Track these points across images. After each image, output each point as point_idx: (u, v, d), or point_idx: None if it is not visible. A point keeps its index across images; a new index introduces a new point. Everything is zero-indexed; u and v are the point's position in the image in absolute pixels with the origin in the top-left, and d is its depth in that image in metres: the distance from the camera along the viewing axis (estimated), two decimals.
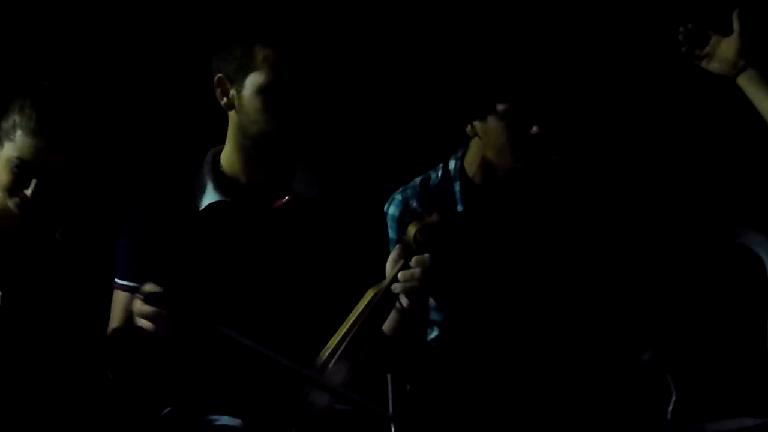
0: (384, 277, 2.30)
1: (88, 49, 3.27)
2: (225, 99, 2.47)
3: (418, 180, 2.84)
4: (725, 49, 2.67)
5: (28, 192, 2.41)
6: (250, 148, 2.46)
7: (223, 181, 2.49)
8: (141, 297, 2.19)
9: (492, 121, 2.70)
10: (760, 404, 2.97)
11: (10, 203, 2.44)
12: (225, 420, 2.38)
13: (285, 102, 2.40)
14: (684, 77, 3.46)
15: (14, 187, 2.42)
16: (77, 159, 2.45)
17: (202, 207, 2.46)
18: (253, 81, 2.42)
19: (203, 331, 2.22)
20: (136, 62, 3.33)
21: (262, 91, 2.41)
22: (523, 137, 2.68)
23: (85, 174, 2.50)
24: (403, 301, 2.29)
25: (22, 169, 2.41)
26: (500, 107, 2.68)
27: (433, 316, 2.78)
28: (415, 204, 2.77)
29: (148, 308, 2.20)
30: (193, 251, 2.45)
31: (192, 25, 3.30)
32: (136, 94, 3.31)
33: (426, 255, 2.27)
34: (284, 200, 2.47)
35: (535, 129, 2.66)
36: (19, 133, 2.41)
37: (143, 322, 2.22)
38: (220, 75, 2.46)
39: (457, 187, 2.80)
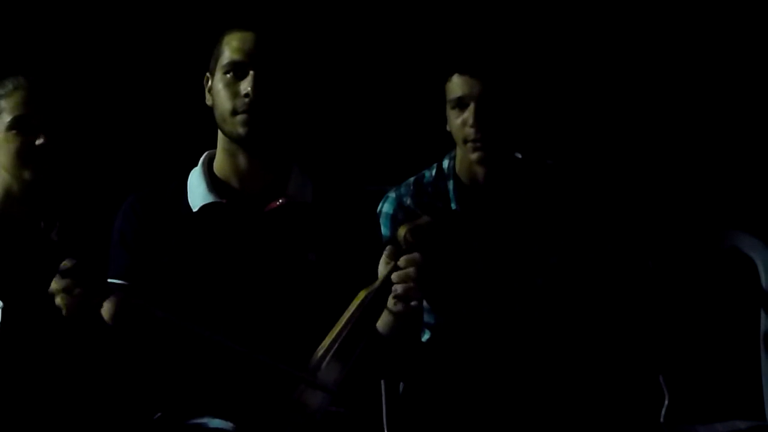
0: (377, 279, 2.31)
1: (85, 46, 3.28)
2: (208, 95, 2.48)
3: (412, 179, 2.84)
4: None
5: (38, 141, 2.44)
6: (228, 143, 2.46)
7: (217, 183, 2.48)
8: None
9: None
10: (751, 407, 2.98)
11: (26, 174, 2.47)
12: (217, 423, 2.37)
13: (240, 84, 2.39)
14: (677, 79, 3.48)
15: (21, 150, 2.46)
16: (65, 107, 2.50)
17: (196, 208, 2.46)
18: (218, 65, 2.43)
19: (144, 316, 2.21)
20: (135, 59, 3.33)
21: (222, 71, 2.41)
22: None
23: (75, 154, 2.52)
24: (394, 302, 2.28)
25: (22, 125, 2.45)
26: None
27: (425, 318, 2.78)
28: (408, 201, 2.77)
29: (62, 283, 2.16)
30: (186, 252, 2.44)
31: (190, 24, 3.30)
32: (134, 91, 3.31)
33: (416, 254, 2.27)
34: (278, 203, 2.47)
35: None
36: (3, 101, 2.48)
37: (58, 300, 2.17)
38: (207, 73, 2.48)
39: (450, 185, 2.79)
